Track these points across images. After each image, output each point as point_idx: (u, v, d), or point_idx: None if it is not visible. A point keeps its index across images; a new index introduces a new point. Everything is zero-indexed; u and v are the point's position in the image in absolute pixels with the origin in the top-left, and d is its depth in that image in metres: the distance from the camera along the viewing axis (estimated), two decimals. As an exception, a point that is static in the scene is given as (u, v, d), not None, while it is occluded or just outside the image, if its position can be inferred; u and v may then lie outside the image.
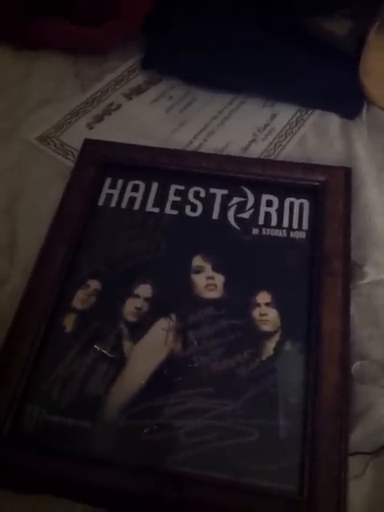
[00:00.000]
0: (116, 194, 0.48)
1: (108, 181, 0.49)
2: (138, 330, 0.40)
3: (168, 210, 0.47)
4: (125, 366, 0.39)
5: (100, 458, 0.36)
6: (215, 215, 0.46)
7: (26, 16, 0.58)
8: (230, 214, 0.46)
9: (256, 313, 0.41)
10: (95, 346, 0.40)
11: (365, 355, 0.40)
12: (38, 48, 0.61)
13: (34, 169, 0.51)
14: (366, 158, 0.50)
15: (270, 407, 0.37)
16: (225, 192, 0.48)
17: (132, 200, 0.48)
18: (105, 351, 0.40)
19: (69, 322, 0.41)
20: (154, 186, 0.48)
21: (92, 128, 0.55)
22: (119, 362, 0.39)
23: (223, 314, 0.41)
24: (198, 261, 0.44)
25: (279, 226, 0.45)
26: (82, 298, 0.42)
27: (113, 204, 0.47)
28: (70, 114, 0.56)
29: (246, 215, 0.46)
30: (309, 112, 0.56)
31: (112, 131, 0.54)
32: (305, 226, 0.45)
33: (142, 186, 0.48)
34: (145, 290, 0.42)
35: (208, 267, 0.43)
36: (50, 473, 0.35)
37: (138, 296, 0.42)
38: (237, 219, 0.46)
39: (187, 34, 0.59)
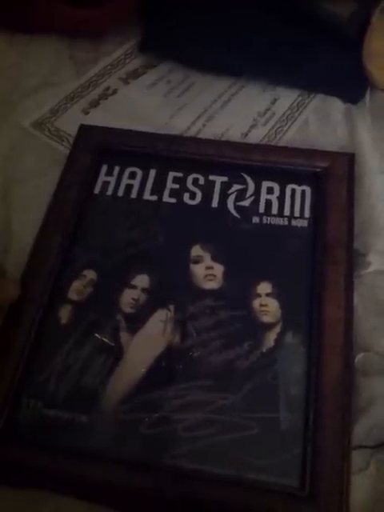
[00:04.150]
0: (112, 181, 0.47)
1: (104, 168, 0.47)
2: (136, 321, 0.40)
3: (166, 198, 0.46)
4: (122, 359, 0.38)
5: (97, 452, 0.35)
6: (214, 203, 0.45)
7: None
8: (230, 202, 0.45)
9: (256, 303, 0.40)
10: (95, 334, 0.39)
11: (368, 347, 0.39)
12: (35, 32, 0.59)
13: (29, 156, 0.50)
14: (369, 144, 0.49)
15: (270, 400, 0.36)
16: (224, 179, 0.46)
17: (129, 188, 0.46)
18: (105, 339, 0.39)
19: (65, 314, 0.40)
20: (152, 173, 0.47)
21: (88, 113, 0.53)
22: (116, 355, 0.38)
23: (223, 305, 0.40)
24: (196, 250, 0.43)
25: (280, 213, 0.44)
26: (78, 288, 0.41)
27: (109, 192, 0.46)
28: (65, 99, 0.54)
29: (246, 203, 0.45)
30: (311, 96, 0.54)
31: (108, 116, 0.52)
32: (307, 213, 0.44)
33: (139, 173, 0.47)
34: (142, 280, 0.41)
35: (207, 257, 0.42)
36: (47, 467, 0.35)
37: (135, 287, 0.41)
38: (237, 207, 0.45)
39: (186, 17, 0.57)
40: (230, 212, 0.45)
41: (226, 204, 0.45)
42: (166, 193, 0.46)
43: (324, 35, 0.56)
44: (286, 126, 0.52)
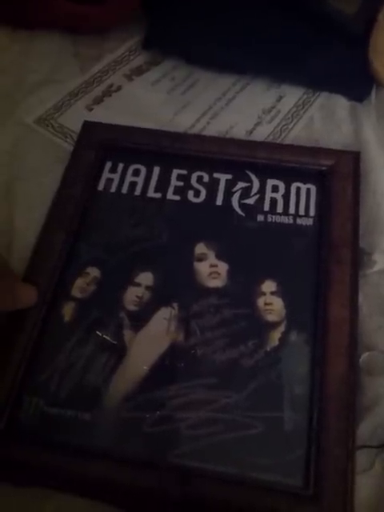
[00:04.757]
0: (116, 178, 0.46)
1: (108, 165, 0.47)
2: (139, 319, 0.39)
3: (170, 196, 0.45)
4: (125, 357, 0.38)
5: (100, 450, 0.35)
6: (219, 201, 0.45)
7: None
8: (235, 200, 0.45)
9: (261, 302, 0.40)
10: (97, 332, 0.39)
11: (373, 346, 0.39)
12: (37, 28, 0.59)
13: (32, 152, 0.50)
14: (375, 142, 0.49)
15: (274, 399, 0.36)
16: (229, 177, 0.46)
17: (133, 185, 0.46)
18: (107, 337, 0.39)
19: (68, 311, 0.40)
20: (156, 170, 0.47)
21: (91, 110, 0.53)
22: (120, 353, 0.38)
23: (227, 303, 0.40)
24: (201, 248, 0.42)
25: (285, 212, 0.44)
26: (82, 286, 0.41)
27: (113, 189, 0.46)
28: (68, 96, 0.54)
29: (250, 201, 0.45)
30: (316, 94, 0.54)
31: (112, 113, 0.52)
32: (312, 212, 0.44)
33: (143, 170, 0.47)
34: (146, 278, 0.41)
35: (211, 255, 0.42)
36: (49, 466, 0.34)
37: (139, 284, 0.41)
38: (241, 205, 0.44)
39: (191, 14, 0.57)
40: (234, 210, 0.44)
41: (231, 202, 0.45)
42: (170, 190, 0.46)
43: (329, 32, 0.55)
44: (291, 124, 0.51)
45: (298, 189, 0.45)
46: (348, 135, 0.50)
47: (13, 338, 0.38)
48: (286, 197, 0.45)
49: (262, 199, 0.45)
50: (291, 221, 0.43)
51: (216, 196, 0.45)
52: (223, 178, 0.46)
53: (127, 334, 0.39)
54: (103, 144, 0.48)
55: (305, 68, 0.54)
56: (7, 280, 0.39)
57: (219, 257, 0.42)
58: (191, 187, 0.46)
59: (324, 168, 0.45)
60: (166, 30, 0.57)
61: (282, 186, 0.45)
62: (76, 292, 0.41)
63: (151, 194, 0.46)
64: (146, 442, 0.35)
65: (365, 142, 0.49)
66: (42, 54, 0.57)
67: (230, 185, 0.46)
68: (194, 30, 0.56)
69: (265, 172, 0.46)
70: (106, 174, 0.47)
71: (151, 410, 0.36)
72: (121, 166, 0.47)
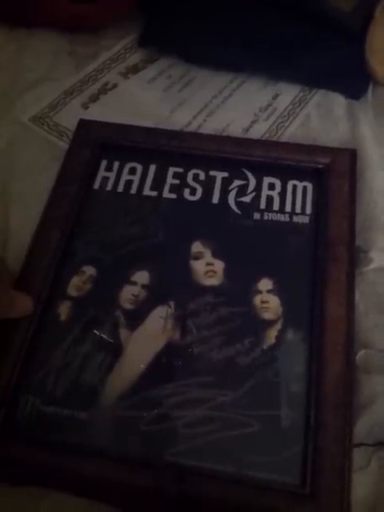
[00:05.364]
0: (112, 176, 0.46)
1: (104, 163, 0.47)
2: (135, 317, 0.39)
3: (166, 194, 0.45)
4: (121, 355, 0.38)
5: (96, 449, 0.35)
6: (215, 199, 0.45)
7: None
8: (231, 198, 0.45)
9: (257, 300, 0.40)
10: (94, 331, 0.39)
11: (369, 344, 0.39)
12: (33, 26, 0.59)
13: (28, 151, 0.50)
14: (371, 140, 0.49)
15: (271, 397, 0.36)
16: (225, 175, 0.46)
17: (129, 183, 0.46)
18: (104, 336, 0.39)
19: (64, 310, 0.40)
20: (152, 168, 0.47)
21: (87, 108, 0.53)
22: (116, 351, 0.38)
23: (223, 302, 0.40)
24: (197, 246, 0.42)
25: (282, 210, 0.44)
26: (77, 284, 0.41)
27: (109, 187, 0.46)
28: (64, 94, 0.54)
29: (247, 199, 0.45)
30: (313, 92, 0.54)
31: (108, 111, 0.52)
32: (308, 210, 0.44)
33: (139, 168, 0.47)
34: (142, 276, 0.41)
35: (208, 253, 0.42)
36: (45, 464, 0.34)
37: (135, 283, 0.41)
38: (238, 203, 0.44)
39: (187, 11, 0.57)
40: (230, 208, 0.44)
41: (227, 200, 0.45)
42: (166, 188, 0.46)
43: (326, 30, 0.55)
44: (288, 122, 0.51)
45: (295, 187, 0.45)
46: (345, 133, 0.50)
47: (8, 336, 0.38)
48: (283, 195, 0.45)
49: (258, 197, 0.45)
50: (287, 219, 0.43)
51: (212, 194, 0.45)
52: (219, 175, 0.46)
53: (123, 332, 0.39)
54: (99, 142, 0.48)
55: (302, 66, 0.54)
56: (4, 279, 0.39)
57: (215, 255, 0.42)
58: (187, 185, 0.46)
59: (320, 166, 0.45)
60: (163, 28, 0.57)
61: (278, 183, 0.45)
62: (72, 291, 0.41)
63: (147, 192, 0.45)
64: (142, 440, 0.35)
65: (361, 140, 0.49)
66: (38, 53, 0.57)
67: (226, 183, 0.45)
68: (190, 28, 0.56)
69: (261, 170, 0.46)
70: (101, 173, 0.47)
71: (148, 409, 0.36)
72: (116, 164, 0.47)
